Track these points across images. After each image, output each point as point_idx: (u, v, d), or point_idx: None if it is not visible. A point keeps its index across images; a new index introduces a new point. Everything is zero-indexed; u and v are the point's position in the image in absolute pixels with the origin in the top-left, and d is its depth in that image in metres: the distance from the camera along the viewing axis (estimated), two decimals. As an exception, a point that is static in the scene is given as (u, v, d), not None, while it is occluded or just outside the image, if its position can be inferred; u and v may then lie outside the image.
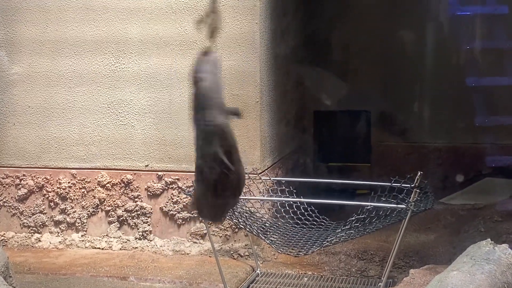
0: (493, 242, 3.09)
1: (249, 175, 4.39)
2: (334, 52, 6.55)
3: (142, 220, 4.88)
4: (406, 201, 3.70)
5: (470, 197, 5.67)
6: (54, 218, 4.98)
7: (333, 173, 6.23)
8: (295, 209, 4.19)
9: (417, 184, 3.81)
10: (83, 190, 4.94)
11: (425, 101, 6.45)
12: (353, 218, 3.77)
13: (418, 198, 3.78)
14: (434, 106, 6.38)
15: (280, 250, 3.95)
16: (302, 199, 4.12)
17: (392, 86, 6.46)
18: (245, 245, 4.69)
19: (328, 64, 6.50)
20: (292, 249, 3.91)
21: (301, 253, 3.87)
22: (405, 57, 6.41)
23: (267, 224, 4.20)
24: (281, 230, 4.17)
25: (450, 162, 6.37)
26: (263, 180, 4.47)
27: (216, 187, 2.45)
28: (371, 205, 3.73)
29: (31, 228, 5.01)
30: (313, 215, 4.20)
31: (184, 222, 4.85)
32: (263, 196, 4.41)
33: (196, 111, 2.42)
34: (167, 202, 4.85)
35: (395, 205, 3.69)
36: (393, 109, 6.47)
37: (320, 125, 6.49)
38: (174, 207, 4.83)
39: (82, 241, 4.91)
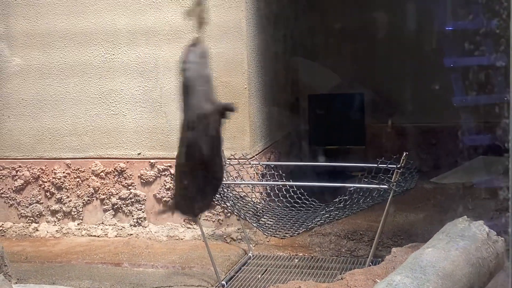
0: (469, 219, 3.15)
1: (239, 160, 4.47)
2: (324, 37, 6.61)
3: (136, 207, 4.97)
4: (389, 181, 3.76)
5: (461, 176, 5.71)
6: (51, 208, 5.08)
7: (327, 156, 6.28)
8: (284, 192, 4.26)
9: (402, 164, 3.85)
10: (77, 179, 5.03)
11: (418, 82, 6.49)
12: (336, 200, 3.84)
13: (401, 178, 3.84)
14: (426, 86, 6.41)
15: (267, 233, 4.03)
16: (287, 182, 4.19)
17: (385, 69, 6.52)
18: (238, 229, 4.77)
19: (318, 50, 6.56)
20: (279, 231, 3.99)
21: (287, 235, 3.95)
22: (396, 41, 6.46)
23: (256, 208, 4.27)
24: (269, 213, 4.25)
25: (444, 142, 6.42)
26: (253, 165, 4.54)
27: (197, 176, 2.51)
28: (354, 186, 3.81)
29: (28, 218, 5.11)
30: (302, 197, 4.27)
31: (177, 208, 4.92)
32: (252, 180, 4.48)
33: (183, 100, 2.49)
34: (160, 189, 4.93)
35: (377, 186, 3.76)
36: (386, 91, 6.53)
37: (314, 109, 6.54)
38: (167, 193, 4.91)
39: (79, 229, 5.01)
